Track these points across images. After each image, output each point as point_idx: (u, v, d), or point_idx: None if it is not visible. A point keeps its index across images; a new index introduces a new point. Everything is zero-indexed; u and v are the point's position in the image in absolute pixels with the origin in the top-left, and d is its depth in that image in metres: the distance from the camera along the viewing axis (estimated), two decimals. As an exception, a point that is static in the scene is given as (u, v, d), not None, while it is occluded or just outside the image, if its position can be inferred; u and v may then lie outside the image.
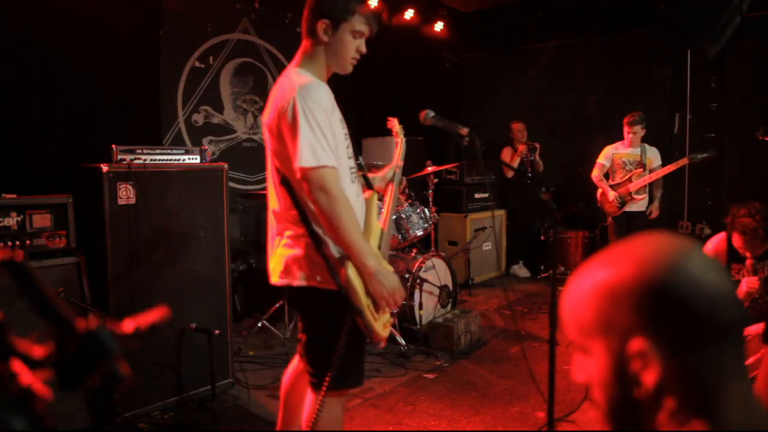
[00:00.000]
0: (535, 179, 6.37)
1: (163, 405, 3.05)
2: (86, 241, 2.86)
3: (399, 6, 6.32)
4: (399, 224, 4.32)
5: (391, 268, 2.04)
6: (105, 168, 2.86)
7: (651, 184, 5.24)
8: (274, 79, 5.38)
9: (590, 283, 0.69)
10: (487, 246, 6.40)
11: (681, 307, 0.64)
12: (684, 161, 5.00)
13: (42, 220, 2.72)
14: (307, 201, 1.87)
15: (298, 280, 1.93)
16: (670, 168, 5.04)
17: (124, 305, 2.88)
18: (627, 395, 0.67)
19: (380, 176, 2.46)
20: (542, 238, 6.39)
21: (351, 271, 1.87)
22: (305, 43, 2.00)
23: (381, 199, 2.43)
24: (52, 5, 3.64)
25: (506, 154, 6.45)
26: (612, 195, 5.23)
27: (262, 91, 5.31)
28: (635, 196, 5.20)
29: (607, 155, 5.34)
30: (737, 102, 5.70)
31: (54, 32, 3.70)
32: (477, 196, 6.40)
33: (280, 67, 5.42)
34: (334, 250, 1.90)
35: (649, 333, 0.65)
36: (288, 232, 1.96)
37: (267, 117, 1.94)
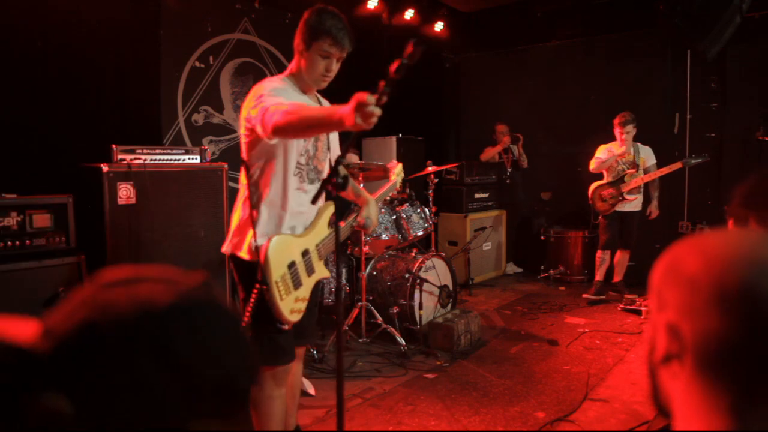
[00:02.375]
0: (512, 177, 6.44)
1: (163, 405, 3.04)
2: (86, 241, 2.86)
3: (399, 6, 6.32)
4: (399, 224, 4.32)
5: (325, 270, 2.33)
6: (105, 168, 2.86)
7: (648, 185, 5.24)
8: (274, 79, 5.38)
9: (671, 258, 0.73)
10: (487, 246, 6.40)
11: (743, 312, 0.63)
12: (677, 165, 5.01)
13: (42, 220, 2.72)
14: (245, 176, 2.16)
15: (237, 251, 2.19)
16: (663, 171, 5.07)
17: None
18: (658, 361, 0.73)
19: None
20: (542, 238, 6.40)
21: (273, 245, 2.06)
22: (293, 59, 2.26)
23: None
24: (52, 5, 3.64)
25: (487, 152, 6.55)
26: (611, 158, 5.21)
27: (262, 91, 5.30)
28: (627, 197, 5.18)
29: (603, 150, 5.36)
30: (737, 102, 5.70)
31: (54, 32, 3.70)
32: (477, 196, 6.40)
33: (280, 67, 5.41)
34: (261, 223, 2.15)
35: (686, 320, 0.67)
36: (239, 212, 2.24)
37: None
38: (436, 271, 4.41)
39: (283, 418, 2.29)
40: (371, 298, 4.27)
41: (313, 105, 2.24)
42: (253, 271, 2.06)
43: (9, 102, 3.50)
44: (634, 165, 5.19)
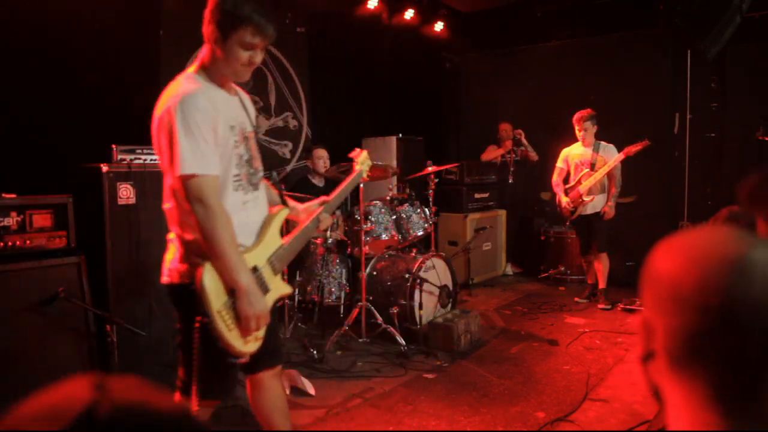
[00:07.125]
0: (516, 175, 6.39)
1: (163, 405, 3.04)
2: (86, 241, 2.86)
3: (399, 6, 6.32)
4: (399, 224, 4.33)
5: (284, 286, 2.06)
6: (105, 168, 2.86)
7: (609, 183, 5.10)
8: (275, 79, 5.38)
9: (650, 258, 0.75)
10: (487, 246, 6.40)
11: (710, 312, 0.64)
12: (621, 157, 4.92)
13: (42, 220, 2.72)
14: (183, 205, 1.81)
15: (176, 278, 1.88)
16: (611, 165, 4.96)
17: (124, 305, 2.89)
18: (640, 359, 0.75)
19: (303, 208, 2.28)
20: (542, 238, 6.40)
21: (207, 276, 1.77)
22: (204, 47, 1.87)
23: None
24: (53, 5, 3.64)
25: (489, 152, 6.55)
26: (565, 201, 5.18)
27: (262, 91, 5.31)
28: (585, 199, 5.11)
29: (563, 157, 5.33)
30: (737, 102, 5.70)
31: (54, 32, 3.70)
32: (477, 196, 6.40)
33: (280, 67, 5.42)
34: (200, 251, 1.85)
35: (658, 315, 0.69)
36: (172, 234, 1.91)
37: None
38: (436, 271, 4.41)
39: None
40: (371, 298, 4.27)
41: (230, 103, 1.95)
42: (192, 299, 1.78)
43: (9, 102, 3.50)
44: (591, 165, 5.12)
